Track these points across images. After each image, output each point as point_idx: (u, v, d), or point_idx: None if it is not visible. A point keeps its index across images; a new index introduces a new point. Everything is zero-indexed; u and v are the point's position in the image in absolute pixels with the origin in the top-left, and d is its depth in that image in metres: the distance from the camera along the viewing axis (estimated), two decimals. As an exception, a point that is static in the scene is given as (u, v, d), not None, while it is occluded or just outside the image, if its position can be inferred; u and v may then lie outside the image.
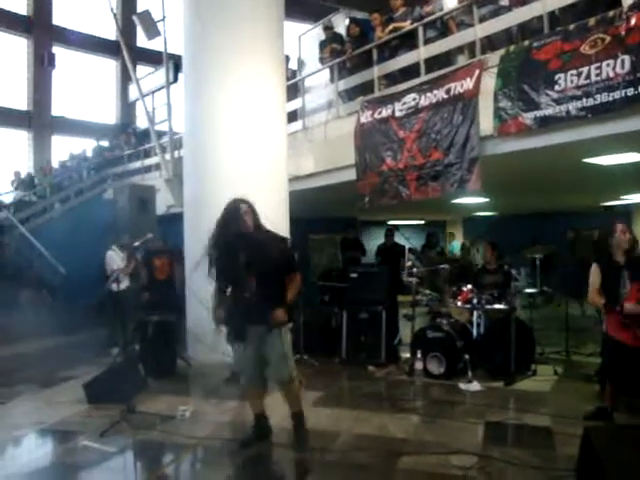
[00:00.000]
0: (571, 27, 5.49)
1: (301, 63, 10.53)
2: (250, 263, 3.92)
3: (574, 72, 5.33)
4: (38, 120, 18.99)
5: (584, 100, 5.26)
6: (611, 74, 5.05)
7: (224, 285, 4.11)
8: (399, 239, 9.84)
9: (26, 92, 19.07)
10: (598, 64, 5.14)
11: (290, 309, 4.09)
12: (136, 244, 7.03)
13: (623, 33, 4.98)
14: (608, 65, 5.06)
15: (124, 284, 7.50)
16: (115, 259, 7.86)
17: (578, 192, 10.81)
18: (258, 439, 4.29)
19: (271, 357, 4.04)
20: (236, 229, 3.94)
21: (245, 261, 3.92)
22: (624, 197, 11.71)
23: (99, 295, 8.07)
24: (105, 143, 17.81)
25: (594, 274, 4.63)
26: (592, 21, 5.29)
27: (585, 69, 5.24)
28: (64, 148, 18.64)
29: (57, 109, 19.48)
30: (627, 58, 4.93)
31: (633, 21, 4.92)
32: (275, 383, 4.17)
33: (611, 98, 5.06)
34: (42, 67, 18.95)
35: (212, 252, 4.04)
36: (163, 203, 10.08)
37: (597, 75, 5.15)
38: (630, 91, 4.92)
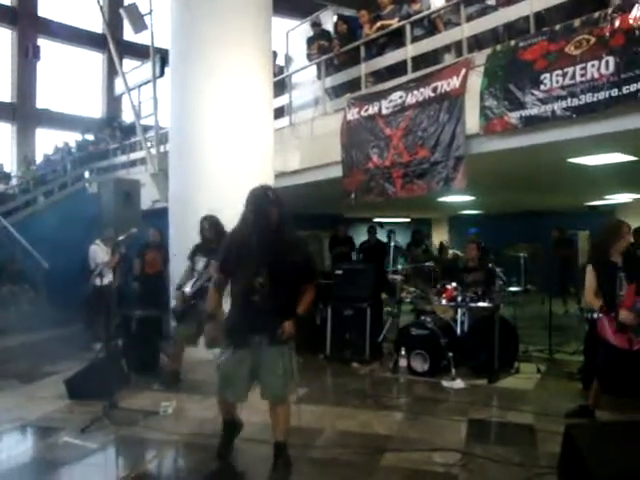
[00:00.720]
0: (557, 28, 5.53)
1: (288, 59, 10.50)
2: (267, 264, 3.44)
3: (559, 72, 5.37)
4: (22, 112, 18.76)
5: (569, 100, 5.30)
6: (596, 75, 5.09)
7: (225, 282, 3.69)
8: (384, 237, 9.89)
9: (10, 84, 18.83)
10: (583, 65, 5.18)
11: (298, 321, 3.62)
12: (120, 238, 6.97)
13: (607, 35, 5.02)
14: (593, 66, 5.11)
15: (107, 279, 7.43)
16: (99, 253, 7.80)
17: (563, 192, 10.89)
18: (230, 440, 4.02)
19: (268, 371, 3.55)
20: (259, 222, 3.46)
21: (262, 261, 3.44)
22: (608, 197, 11.83)
23: (85, 290, 8.01)
24: (90, 137, 17.64)
25: (589, 275, 4.53)
26: (577, 22, 5.33)
27: (570, 69, 5.28)
28: (49, 141, 18.44)
29: (42, 102, 19.26)
30: (611, 59, 4.97)
31: (617, 23, 4.97)
32: (266, 398, 3.66)
33: (596, 99, 5.10)
34: (27, 59, 18.72)
35: (228, 244, 3.68)
36: (148, 198, 10.01)
37: (582, 75, 5.19)
38: (614, 92, 4.96)
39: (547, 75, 5.47)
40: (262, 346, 3.55)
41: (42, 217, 12.49)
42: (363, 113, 7.42)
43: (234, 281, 3.65)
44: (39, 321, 8.39)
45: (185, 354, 6.51)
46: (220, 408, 3.94)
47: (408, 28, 7.15)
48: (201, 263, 5.45)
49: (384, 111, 7.14)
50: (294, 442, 3.97)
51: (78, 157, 16.04)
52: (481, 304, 6.34)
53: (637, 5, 4.83)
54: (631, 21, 4.87)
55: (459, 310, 6.50)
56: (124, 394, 5.33)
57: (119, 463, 4.30)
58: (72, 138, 17.56)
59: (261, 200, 3.50)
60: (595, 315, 5.46)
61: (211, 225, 5.57)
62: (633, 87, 4.82)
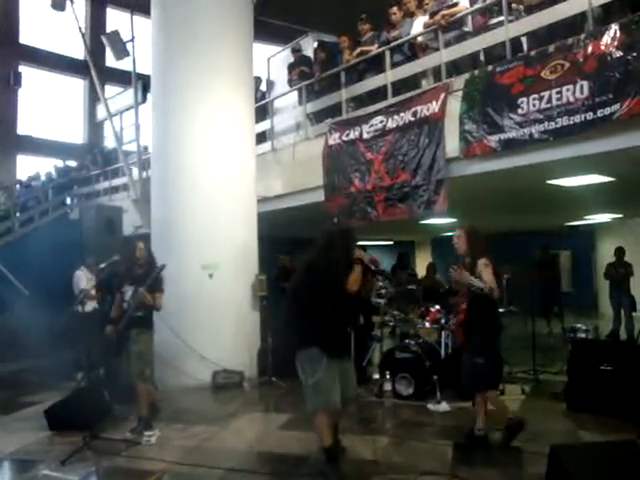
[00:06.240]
0: (532, 53, 5.65)
1: (270, 85, 10.60)
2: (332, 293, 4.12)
3: (536, 96, 5.47)
4: (3, 139, 18.63)
5: (546, 123, 5.39)
6: (571, 99, 5.19)
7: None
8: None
9: (-9, 111, 18.73)
10: (558, 89, 5.29)
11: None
12: (102, 265, 6.90)
13: (581, 60, 5.15)
14: (568, 90, 5.21)
15: (90, 306, 7.34)
16: (83, 280, 7.72)
17: (543, 212, 11.02)
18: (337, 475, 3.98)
19: (349, 377, 4.28)
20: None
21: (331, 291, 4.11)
22: (587, 217, 11.99)
23: (67, 317, 7.89)
24: (73, 163, 17.56)
25: None
26: (552, 47, 5.46)
27: (546, 93, 5.38)
28: (30, 167, 18.31)
29: (23, 128, 19.16)
30: (585, 84, 5.09)
31: (590, 49, 5.10)
32: (345, 401, 4.17)
33: (572, 122, 5.20)
34: (8, 86, 18.65)
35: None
36: (130, 224, 9.97)
37: (558, 99, 5.30)
38: (589, 115, 5.06)
39: (524, 99, 5.57)
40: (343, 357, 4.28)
41: (23, 244, 12.35)
42: (344, 138, 7.48)
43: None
44: (19, 349, 8.25)
45: (166, 381, 6.43)
46: (324, 431, 4.02)
47: (387, 54, 7.26)
48: (129, 292, 5.28)
49: (365, 136, 7.22)
50: (279, 469, 3.93)
51: (59, 184, 15.91)
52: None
53: (607, 32, 4.97)
54: (602, 47, 5.00)
55: (443, 332, 6.50)
56: (106, 424, 5.23)
57: (100, 495, 4.21)
58: (52, 165, 17.43)
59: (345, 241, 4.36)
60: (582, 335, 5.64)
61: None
62: (607, 110, 4.93)
